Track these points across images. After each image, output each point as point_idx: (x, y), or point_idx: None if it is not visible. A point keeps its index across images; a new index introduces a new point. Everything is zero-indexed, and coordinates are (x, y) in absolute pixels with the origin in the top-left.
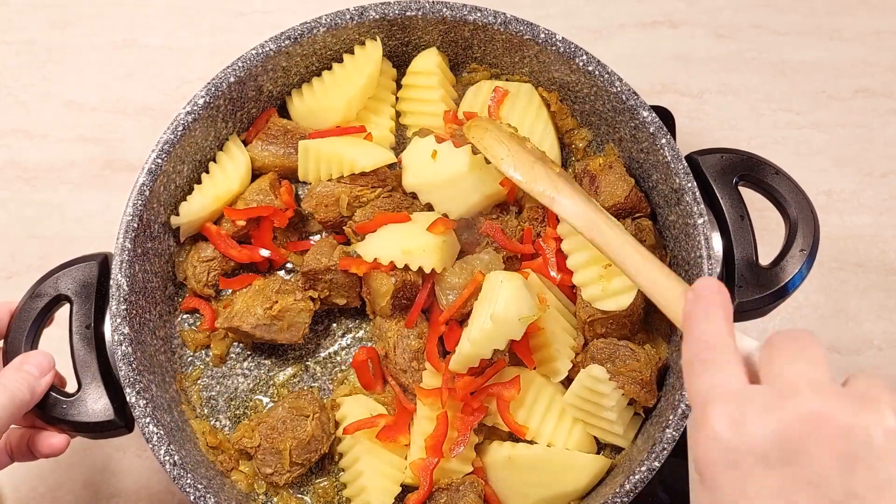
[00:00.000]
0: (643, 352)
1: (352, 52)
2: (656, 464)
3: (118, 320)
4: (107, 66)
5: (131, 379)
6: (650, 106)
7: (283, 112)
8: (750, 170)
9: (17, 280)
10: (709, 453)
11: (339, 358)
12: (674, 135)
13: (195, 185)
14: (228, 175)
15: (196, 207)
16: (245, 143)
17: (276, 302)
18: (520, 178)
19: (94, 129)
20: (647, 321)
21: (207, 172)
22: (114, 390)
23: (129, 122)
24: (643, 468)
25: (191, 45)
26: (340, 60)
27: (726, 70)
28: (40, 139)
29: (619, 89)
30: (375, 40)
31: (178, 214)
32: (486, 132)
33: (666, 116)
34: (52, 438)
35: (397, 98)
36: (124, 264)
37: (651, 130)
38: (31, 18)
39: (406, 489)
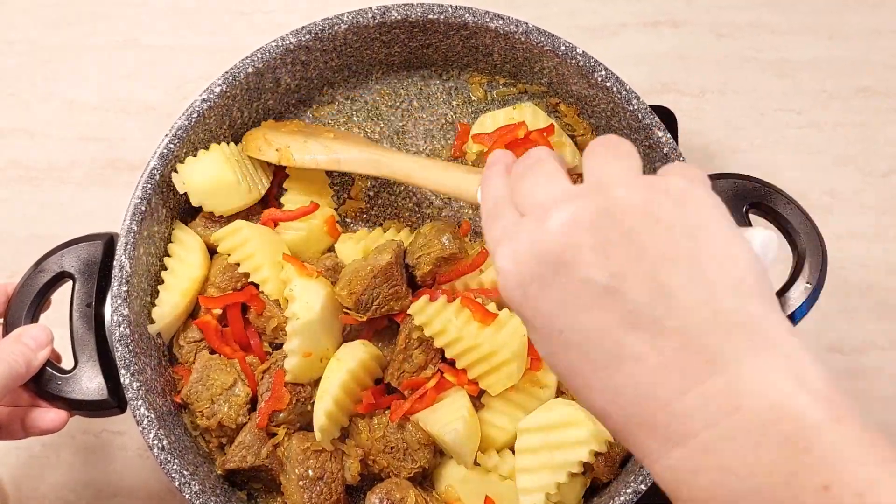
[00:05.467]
0: None
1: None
2: (643, 487)
3: (118, 301)
4: (108, 66)
5: (127, 361)
6: (651, 105)
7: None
8: (762, 198)
9: (19, 279)
10: (505, 291)
11: None
12: (675, 134)
13: (160, 287)
14: (188, 263)
15: (168, 309)
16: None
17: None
18: (304, 159)
19: (96, 129)
20: None
21: (166, 269)
22: (109, 370)
23: (130, 122)
24: (629, 490)
25: (192, 45)
26: (361, 59)
27: (727, 69)
28: (42, 138)
29: (635, 107)
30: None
31: (153, 321)
32: (255, 142)
33: (667, 116)
34: (51, 414)
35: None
36: (129, 246)
37: (665, 151)
38: (32, 18)
39: None
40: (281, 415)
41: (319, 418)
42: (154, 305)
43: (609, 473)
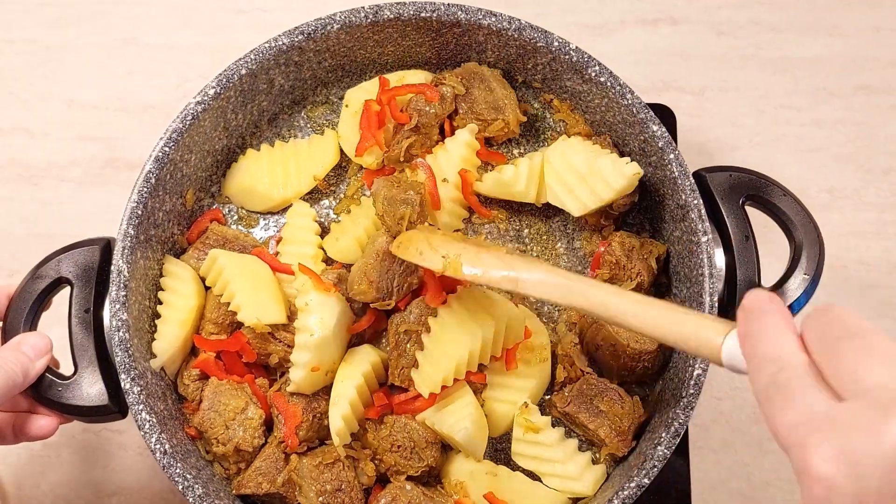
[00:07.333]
0: (629, 402)
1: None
2: (646, 481)
3: (117, 306)
4: (108, 65)
5: (127, 365)
6: (650, 104)
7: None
8: (758, 190)
9: (19, 279)
10: None
11: None
12: (674, 132)
13: (157, 321)
14: (182, 294)
15: (168, 342)
16: (188, 241)
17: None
18: (475, 272)
19: (95, 128)
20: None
21: (161, 303)
22: (109, 375)
23: (130, 121)
24: (632, 484)
25: (191, 44)
26: (354, 58)
27: (727, 67)
28: (41, 138)
29: (630, 102)
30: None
31: (154, 356)
32: (416, 244)
33: (667, 114)
34: (42, 420)
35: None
36: (126, 250)
37: (660, 145)
38: (32, 17)
39: None
40: (301, 432)
41: (336, 422)
42: (154, 339)
43: (623, 447)
